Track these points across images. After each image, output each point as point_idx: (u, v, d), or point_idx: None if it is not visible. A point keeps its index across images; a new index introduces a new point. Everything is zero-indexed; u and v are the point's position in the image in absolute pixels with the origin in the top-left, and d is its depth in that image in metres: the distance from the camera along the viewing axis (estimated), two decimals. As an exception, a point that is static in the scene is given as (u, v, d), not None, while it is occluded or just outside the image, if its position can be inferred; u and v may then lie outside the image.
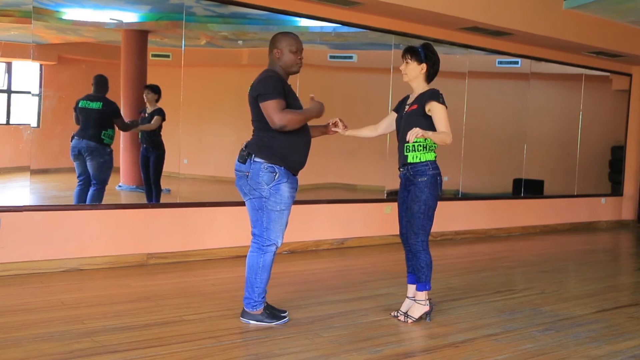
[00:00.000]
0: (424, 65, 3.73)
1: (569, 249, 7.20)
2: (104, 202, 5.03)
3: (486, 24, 6.56)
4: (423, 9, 5.94)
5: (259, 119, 3.48)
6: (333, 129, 3.86)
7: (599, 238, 8.22)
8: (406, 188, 3.78)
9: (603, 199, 9.13)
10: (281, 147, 3.45)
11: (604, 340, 3.59)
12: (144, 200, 5.33)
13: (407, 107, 3.79)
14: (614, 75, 9.07)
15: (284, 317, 3.65)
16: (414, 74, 3.75)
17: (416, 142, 3.65)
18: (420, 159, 3.68)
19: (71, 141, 4.93)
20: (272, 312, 3.63)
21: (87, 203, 4.96)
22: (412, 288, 3.87)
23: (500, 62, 7.72)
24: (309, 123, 3.61)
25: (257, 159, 3.46)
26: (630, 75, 9.19)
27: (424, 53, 3.73)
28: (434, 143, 3.70)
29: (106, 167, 5.09)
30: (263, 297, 3.59)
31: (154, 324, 3.51)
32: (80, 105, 4.94)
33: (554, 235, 8.09)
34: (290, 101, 3.48)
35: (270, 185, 3.45)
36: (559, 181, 8.66)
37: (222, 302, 4.00)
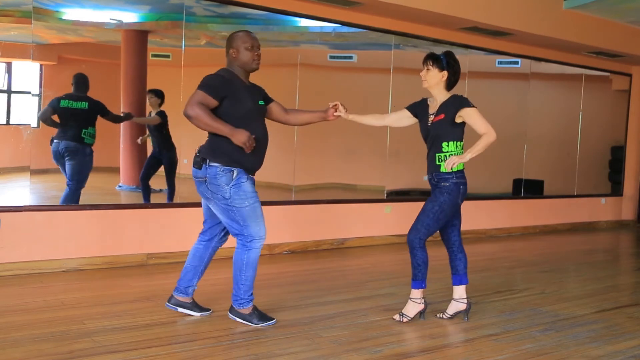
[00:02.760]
0: (445, 73, 3.69)
1: (569, 249, 7.20)
2: (103, 202, 5.01)
3: (486, 24, 6.56)
4: (423, 9, 5.94)
5: None
6: (335, 113, 3.77)
7: (599, 238, 8.22)
8: (432, 193, 3.79)
9: (603, 199, 9.14)
10: (234, 150, 3.38)
11: (604, 340, 3.59)
12: (141, 201, 5.33)
13: (431, 116, 3.74)
14: (614, 75, 9.07)
15: (272, 318, 3.61)
16: (435, 81, 3.72)
17: (448, 151, 3.66)
18: (452, 168, 3.66)
19: (51, 144, 4.82)
20: (261, 313, 3.61)
21: (59, 203, 4.84)
22: (456, 289, 3.86)
23: (500, 62, 7.72)
24: (303, 109, 3.53)
25: (212, 164, 3.40)
26: (630, 75, 9.19)
27: (446, 60, 3.69)
28: (462, 149, 3.70)
29: (85, 168, 4.95)
30: (250, 295, 3.57)
31: (154, 324, 3.51)
32: (61, 105, 4.80)
33: (554, 235, 8.09)
34: (231, 102, 3.38)
35: (231, 185, 3.39)
36: (559, 181, 8.65)
37: (222, 302, 4.00)
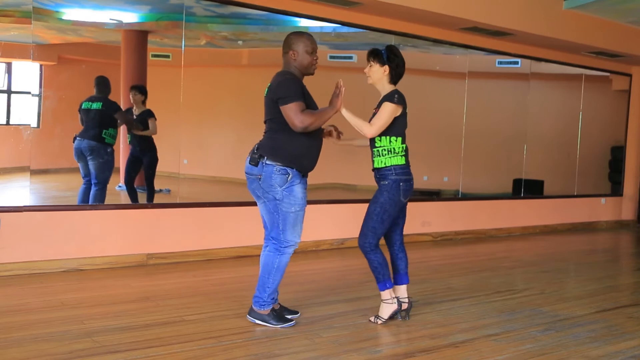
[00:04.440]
0: (386, 67, 3.68)
1: (569, 249, 7.20)
2: (104, 202, 5.03)
3: (486, 24, 6.56)
4: (423, 9, 5.94)
5: (274, 120, 3.45)
6: (328, 137, 3.81)
7: (599, 238, 8.22)
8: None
9: (603, 199, 9.14)
10: (296, 149, 3.44)
11: (604, 340, 3.59)
12: (144, 201, 5.33)
13: (374, 110, 3.77)
14: (614, 75, 9.07)
15: (291, 320, 3.61)
16: (377, 76, 3.72)
17: (380, 146, 3.65)
18: (385, 163, 3.65)
19: (73, 142, 4.94)
20: (280, 314, 3.61)
21: (89, 203, 4.96)
22: (397, 288, 3.84)
23: (500, 62, 7.72)
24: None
25: (269, 162, 3.42)
26: (630, 75, 9.19)
27: (387, 55, 3.69)
28: (403, 143, 3.67)
29: (107, 167, 5.08)
30: (273, 298, 3.57)
31: (154, 324, 3.51)
32: (83, 106, 4.96)
33: (554, 235, 8.09)
34: (309, 102, 3.48)
35: (284, 187, 3.42)
36: (559, 181, 8.66)
37: (222, 302, 4.00)
